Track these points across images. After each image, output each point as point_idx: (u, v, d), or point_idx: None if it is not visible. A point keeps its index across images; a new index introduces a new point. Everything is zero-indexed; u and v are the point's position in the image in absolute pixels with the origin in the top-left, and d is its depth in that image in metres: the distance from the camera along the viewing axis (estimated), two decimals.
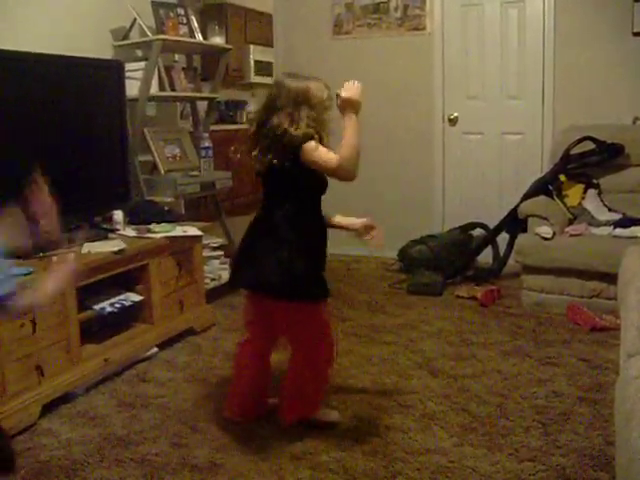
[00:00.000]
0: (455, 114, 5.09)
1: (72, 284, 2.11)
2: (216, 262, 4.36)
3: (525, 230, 4.12)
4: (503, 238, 4.52)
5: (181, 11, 4.25)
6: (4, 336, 2.50)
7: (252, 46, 8.10)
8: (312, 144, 2.31)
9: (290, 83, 2.38)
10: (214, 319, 3.84)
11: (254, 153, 2.47)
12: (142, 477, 2.26)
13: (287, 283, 2.34)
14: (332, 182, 2.41)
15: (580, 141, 4.26)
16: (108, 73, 3.53)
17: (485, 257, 4.67)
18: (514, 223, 4.33)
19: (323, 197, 2.50)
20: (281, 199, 2.42)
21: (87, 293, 3.02)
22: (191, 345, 3.51)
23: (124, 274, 3.21)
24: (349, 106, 2.34)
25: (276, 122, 2.35)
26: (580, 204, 4.21)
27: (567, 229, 4.03)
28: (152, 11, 4.04)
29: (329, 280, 2.50)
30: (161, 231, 3.46)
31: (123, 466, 2.33)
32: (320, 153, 2.31)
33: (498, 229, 4.53)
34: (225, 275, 4.36)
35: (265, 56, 7.92)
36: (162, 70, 4.13)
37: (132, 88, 3.80)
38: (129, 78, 3.74)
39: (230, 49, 4.64)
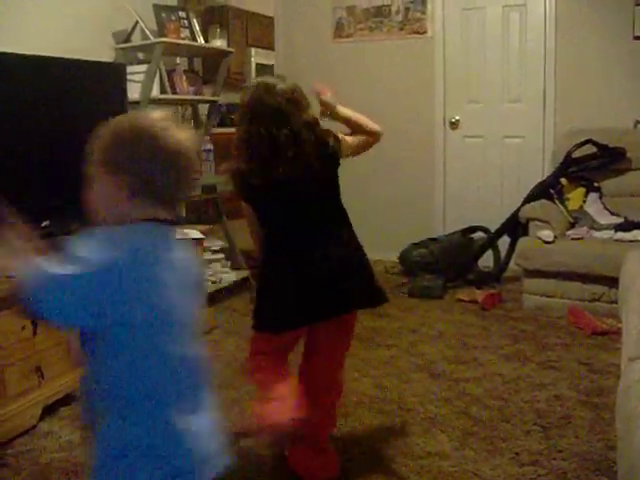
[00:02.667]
0: (456, 117, 5.10)
1: None
2: (217, 265, 4.37)
3: (526, 233, 4.12)
4: (505, 241, 4.52)
5: (183, 14, 4.25)
6: (5, 338, 2.50)
7: (253, 49, 8.10)
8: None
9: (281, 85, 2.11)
10: (215, 322, 3.83)
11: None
12: None
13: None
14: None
15: (581, 145, 4.27)
16: (110, 76, 3.53)
17: (486, 261, 4.67)
18: (515, 227, 4.33)
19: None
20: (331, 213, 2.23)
21: None
22: None
23: None
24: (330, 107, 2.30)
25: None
26: (581, 208, 4.21)
27: (568, 233, 4.03)
28: (154, 14, 4.04)
29: None
30: None
31: None
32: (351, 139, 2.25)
33: (499, 232, 4.53)
34: (226, 278, 4.36)
35: (266, 59, 7.92)
36: (163, 73, 4.13)
37: (133, 91, 3.80)
38: (130, 81, 3.74)
39: (231, 52, 4.65)
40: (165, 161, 1.27)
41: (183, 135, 1.30)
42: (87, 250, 1.17)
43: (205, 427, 1.32)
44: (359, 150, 2.26)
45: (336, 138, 2.15)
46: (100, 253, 1.17)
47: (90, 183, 1.30)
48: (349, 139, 2.22)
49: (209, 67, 5.11)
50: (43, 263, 1.17)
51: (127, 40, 4.07)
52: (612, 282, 3.37)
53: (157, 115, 1.32)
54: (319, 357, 2.29)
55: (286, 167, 2.05)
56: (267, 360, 2.23)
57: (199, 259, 1.62)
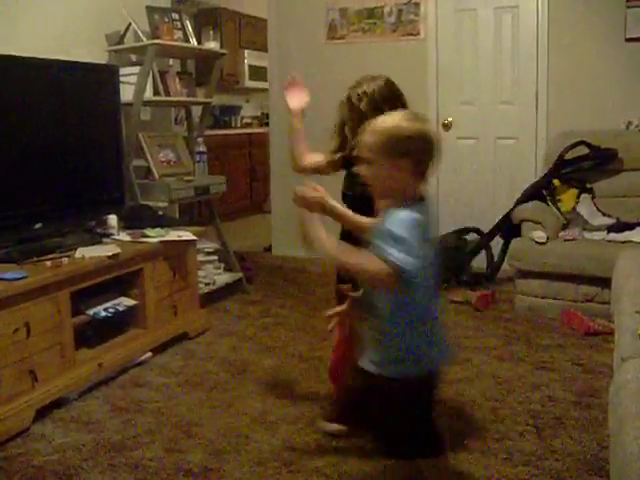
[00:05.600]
0: (449, 119, 5.10)
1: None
2: (210, 267, 4.36)
3: (519, 234, 4.13)
4: (498, 242, 4.53)
5: (176, 16, 4.24)
6: None
7: (246, 51, 8.13)
8: None
9: None
10: (208, 324, 3.83)
11: None
12: None
13: None
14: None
15: (574, 146, 4.28)
16: (103, 78, 3.52)
17: (479, 262, 4.67)
18: (508, 228, 4.34)
19: None
20: None
21: (81, 297, 3.01)
22: (185, 350, 3.51)
23: (118, 279, 3.21)
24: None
25: None
26: (574, 209, 4.22)
27: (561, 234, 4.04)
28: (147, 16, 4.03)
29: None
30: (155, 236, 3.45)
31: (117, 471, 2.32)
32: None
33: (492, 234, 4.54)
34: (219, 279, 4.36)
35: (259, 61, 7.94)
36: (157, 75, 4.12)
37: (127, 93, 3.79)
38: (124, 83, 3.73)
39: (225, 54, 4.64)
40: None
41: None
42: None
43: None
44: None
45: None
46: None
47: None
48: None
49: (202, 69, 5.11)
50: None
51: (120, 42, 4.06)
52: (605, 283, 3.39)
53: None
54: None
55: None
56: None
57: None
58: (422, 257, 1.65)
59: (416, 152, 1.71)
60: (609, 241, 3.87)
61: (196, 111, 4.83)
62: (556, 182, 4.28)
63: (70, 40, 3.68)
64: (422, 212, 1.72)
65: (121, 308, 3.23)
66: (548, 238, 3.93)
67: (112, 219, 3.49)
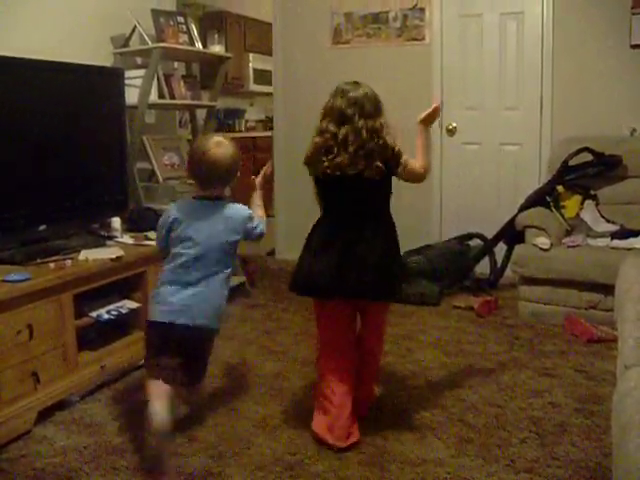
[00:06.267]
0: (454, 124, 5.10)
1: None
2: None
3: (522, 241, 4.13)
4: (501, 248, 4.53)
5: (181, 19, 4.26)
6: (0, 343, 2.49)
7: (251, 54, 8.14)
8: (406, 157, 2.55)
9: (366, 90, 2.54)
10: None
11: (339, 159, 2.43)
12: None
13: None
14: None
15: (578, 152, 4.27)
16: (108, 80, 3.53)
17: (482, 268, 4.67)
18: (511, 234, 4.33)
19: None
20: (371, 206, 2.60)
21: (84, 300, 3.01)
22: None
23: (121, 281, 3.21)
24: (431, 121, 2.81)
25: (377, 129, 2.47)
26: (578, 215, 4.22)
27: (564, 240, 4.03)
28: (152, 19, 4.05)
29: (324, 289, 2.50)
30: None
31: (119, 474, 2.32)
32: (413, 164, 2.61)
33: (495, 239, 4.54)
34: None
35: (264, 64, 7.95)
36: (161, 78, 4.14)
37: (131, 96, 3.80)
38: (129, 86, 3.74)
39: (229, 57, 4.66)
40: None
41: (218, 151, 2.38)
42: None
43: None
44: (410, 177, 2.64)
45: (399, 150, 2.53)
46: None
47: None
48: (411, 162, 2.58)
49: (207, 72, 5.12)
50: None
51: (125, 45, 4.07)
52: (608, 290, 3.38)
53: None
54: (363, 328, 2.69)
55: (345, 159, 2.41)
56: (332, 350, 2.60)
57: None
58: (163, 236, 2.44)
59: (190, 166, 2.48)
60: (613, 248, 3.87)
61: (200, 114, 4.84)
62: (560, 188, 4.28)
63: (75, 42, 3.70)
64: (186, 204, 2.46)
65: (124, 311, 3.22)
66: (552, 244, 3.92)
67: (116, 222, 3.50)
